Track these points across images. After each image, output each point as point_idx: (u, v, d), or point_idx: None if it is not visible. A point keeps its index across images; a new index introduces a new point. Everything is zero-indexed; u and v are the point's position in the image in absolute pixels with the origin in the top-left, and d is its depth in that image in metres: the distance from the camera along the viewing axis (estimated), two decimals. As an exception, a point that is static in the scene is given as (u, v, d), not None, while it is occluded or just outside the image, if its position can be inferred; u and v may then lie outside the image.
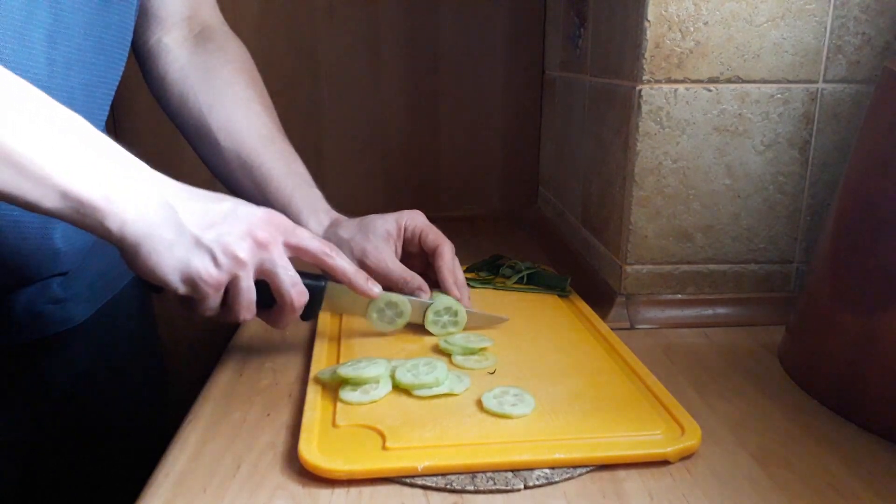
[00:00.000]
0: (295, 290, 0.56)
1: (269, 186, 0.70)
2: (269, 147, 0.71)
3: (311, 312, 0.60)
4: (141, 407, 0.78)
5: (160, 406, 0.81)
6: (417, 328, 0.67)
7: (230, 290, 0.54)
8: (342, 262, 0.60)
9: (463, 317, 0.67)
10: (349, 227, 0.69)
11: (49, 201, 0.45)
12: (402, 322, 0.65)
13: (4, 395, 0.64)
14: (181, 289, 0.51)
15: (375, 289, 0.62)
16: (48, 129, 0.46)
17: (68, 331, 0.66)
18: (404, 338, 0.66)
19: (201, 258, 0.50)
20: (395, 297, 0.65)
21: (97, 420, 0.71)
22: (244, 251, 0.52)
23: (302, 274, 0.57)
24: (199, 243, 0.50)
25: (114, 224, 0.47)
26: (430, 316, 0.66)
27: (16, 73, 0.54)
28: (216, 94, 0.71)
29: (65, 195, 0.45)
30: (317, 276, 0.60)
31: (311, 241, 0.58)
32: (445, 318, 0.66)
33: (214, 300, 0.53)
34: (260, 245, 0.53)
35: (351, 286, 0.61)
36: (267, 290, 0.56)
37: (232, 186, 0.72)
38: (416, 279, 0.67)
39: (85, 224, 0.47)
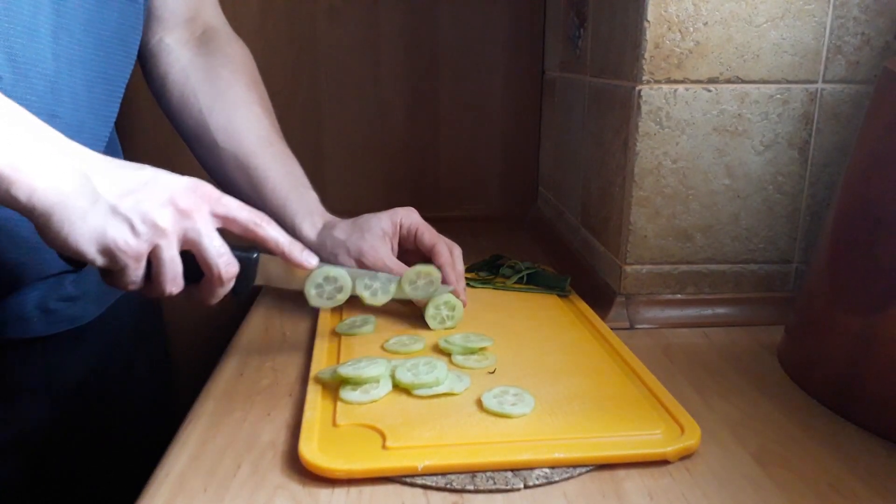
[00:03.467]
0: (222, 260, 0.53)
1: (266, 188, 0.70)
2: (266, 149, 0.71)
3: (243, 286, 0.56)
4: (148, 405, 0.78)
5: (167, 404, 0.81)
6: (418, 324, 0.68)
7: (153, 262, 0.50)
8: (274, 232, 0.56)
9: (460, 311, 0.68)
10: (344, 227, 0.69)
11: None
12: (342, 297, 0.62)
13: (14, 390, 0.64)
14: (98, 260, 0.48)
15: (312, 260, 0.58)
16: None
17: (78, 328, 0.66)
18: (404, 336, 0.66)
19: (118, 227, 0.47)
20: (333, 270, 0.61)
21: (105, 417, 0.71)
22: (165, 219, 0.49)
23: (234, 247, 0.54)
24: (115, 211, 0.47)
25: (21, 193, 0.44)
26: (429, 310, 0.67)
27: (27, 68, 0.55)
28: (216, 95, 0.72)
29: None
30: (249, 248, 0.57)
31: (239, 210, 0.54)
32: (444, 312, 0.67)
33: (135, 272, 0.50)
34: (182, 213, 0.50)
35: (285, 258, 0.57)
36: (195, 264, 0.53)
37: (228, 187, 0.72)
38: (430, 266, 0.67)
39: None
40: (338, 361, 0.60)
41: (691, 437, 0.48)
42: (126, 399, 0.74)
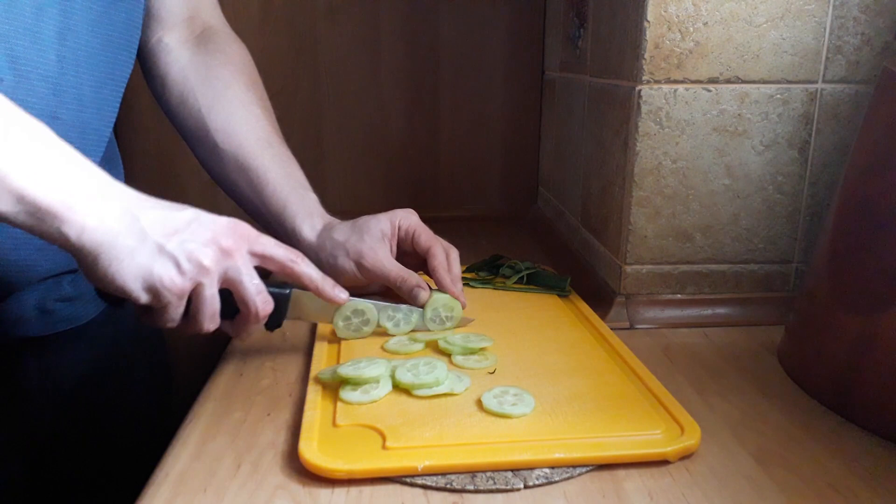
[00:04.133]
0: (260, 298, 0.55)
1: (266, 189, 0.70)
2: (266, 150, 0.71)
3: (276, 321, 0.59)
4: (147, 405, 0.78)
5: (166, 404, 0.81)
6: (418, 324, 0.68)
7: (193, 300, 0.52)
8: (308, 269, 0.59)
9: (459, 313, 0.68)
10: (343, 229, 0.69)
11: (4, 205, 0.44)
12: (368, 330, 0.65)
13: (13, 390, 0.64)
14: (143, 297, 0.49)
15: (342, 295, 0.61)
16: (7, 133, 0.44)
17: (77, 328, 0.66)
18: (404, 336, 0.65)
19: (164, 265, 0.49)
20: (361, 304, 0.64)
21: (104, 417, 0.71)
22: (208, 258, 0.51)
23: (268, 284, 0.56)
24: (162, 250, 0.49)
25: (72, 231, 0.45)
26: (427, 312, 0.67)
27: (28, 70, 0.55)
28: (216, 96, 0.72)
29: (20, 199, 0.44)
30: (281, 285, 0.60)
31: (275, 248, 0.57)
32: (443, 314, 0.67)
33: (177, 309, 0.52)
34: (224, 252, 0.52)
35: (317, 293, 0.60)
36: (230, 299, 0.54)
37: (228, 188, 0.72)
38: (413, 277, 0.67)
39: (41, 230, 0.46)
40: (338, 362, 0.60)
41: (691, 437, 0.48)
42: (125, 399, 0.74)
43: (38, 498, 0.68)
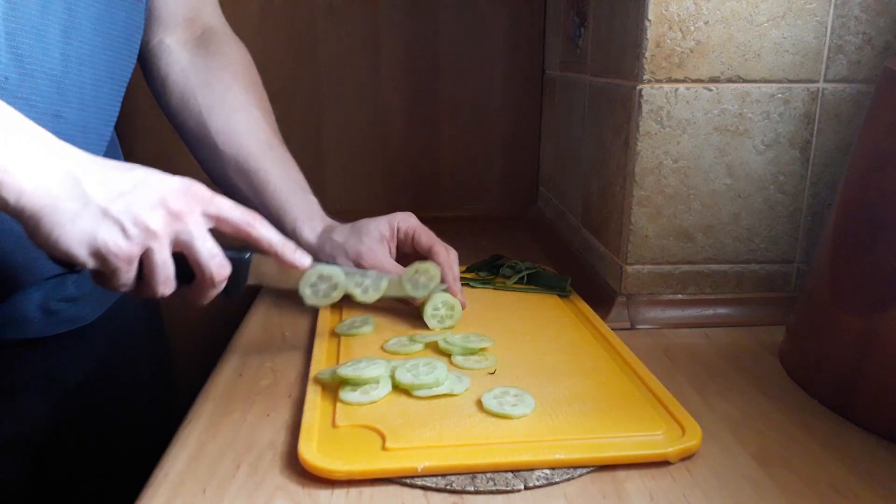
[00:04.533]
0: (214, 262, 0.52)
1: (266, 191, 0.70)
2: (267, 152, 0.71)
3: (235, 287, 0.56)
4: (148, 405, 0.78)
5: (167, 404, 0.81)
6: (418, 324, 0.68)
7: (145, 264, 0.50)
8: (266, 231, 0.55)
9: (459, 312, 0.68)
10: (342, 231, 0.70)
11: None
12: (336, 295, 0.62)
13: (15, 391, 0.64)
14: (90, 263, 0.48)
15: (305, 259, 0.58)
16: None
17: (79, 329, 0.66)
18: (404, 337, 0.65)
19: (109, 230, 0.47)
20: (326, 269, 0.61)
21: (105, 418, 0.72)
22: (156, 221, 0.48)
23: (226, 247, 0.54)
24: (106, 214, 0.47)
25: (10, 195, 0.44)
26: (428, 309, 0.67)
27: (33, 68, 0.55)
28: (216, 97, 0.72)
29: None
30: (241, 249, 0.57)
31: (231, 210, 0.53)
32: (443, 311, 0.68)
33: (127, 274, 0.49)
34: (174, 215, 0.50)
35: (277, 258, 0.57)
36: (186, 264, 0.52)
37: (228, 190, 0.72)
38: (430, 263, 0.67)
39: None
40: (337, 362, 0.60)
41: (692, 438, 0.48)
42: (127, 399, 0.74)
43: (39, 497, 0.69)
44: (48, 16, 0.55)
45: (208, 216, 0.52)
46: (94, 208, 0.47)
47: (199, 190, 0.52)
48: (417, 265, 0.66)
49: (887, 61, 0.57)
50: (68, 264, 0.50)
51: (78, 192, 0.46)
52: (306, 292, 0.61)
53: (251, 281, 0.58)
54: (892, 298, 0.51)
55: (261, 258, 0.58)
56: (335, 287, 0.62)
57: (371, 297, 0.64)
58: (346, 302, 0.64)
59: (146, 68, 0.74)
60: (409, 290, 0.66)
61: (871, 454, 0.49)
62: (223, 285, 0.54)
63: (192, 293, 0.54)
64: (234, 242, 0.55)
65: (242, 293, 0.58)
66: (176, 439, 0.52)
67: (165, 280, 0.51)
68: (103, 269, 0.49)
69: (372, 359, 0.58)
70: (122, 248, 0.48)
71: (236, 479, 0.46)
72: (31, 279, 0.61)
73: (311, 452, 0.47)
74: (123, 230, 0.47)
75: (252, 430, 0.52)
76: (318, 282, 0.61)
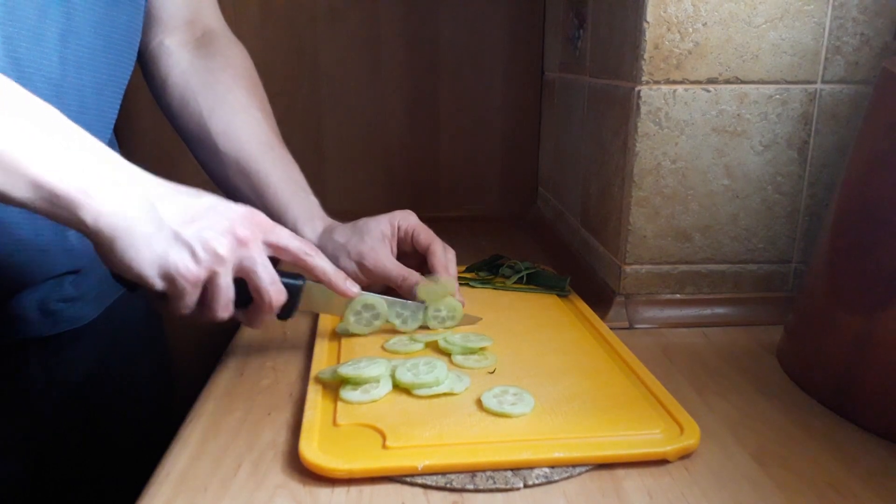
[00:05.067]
0: (273, 288, 0.55)
1: (267, 192, 0.71)
2: (267, 153, 0.72)
3: (288, 312, 0.59)
4: (148, 404, 0.78)
5: (167, 403, 0.81)
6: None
7: (208, 288, 0.52)
8: (321, 262, 0.60)
9: (460, 312, 0.68)
10: (343, 231, 0.70)
11: (20, 192, 0.44)
12: (378, 324, 0.66)
13: (15, 391, 0.64)
14: (158, 284, 0.50)
15: (354, 288, 0.62)
16: (23, 120, 0.45)
17: (78, 329, 0.66)
18: (404, 336, 0.66)
19: (180, 253, 0.49)
20: (371, 298, 0.65)
21: (105, 417, 0.72)
22: (224, 247, 0.51)
23: (281, 274, 0.57)
24: (178, 238, 0.49)
25: (89, 216, 0.45)
26: (429, 310, 0.67)
27: (31, 72, 0.55)
28: (216, 99, 0.72)
29: (37, 186, 0.44)
30: (295, 276, 0.60)
31: (290, 239, 0.57)
32: (444, 313, 0.68)
33: (192, 297, 0.52)
34: (240, 242, 0.52)
35: (330, 286, 0.61)
36: (243, 289, 0.55)
37: (229, 191, 0.72)
38: (413, 276, 0.67)
39: (58, 216, 0.46)
40: (338, 361, 0.60)
41: (691, 437, 0.49)
42: (127, 399, 0.75)
43: (40, 497, 0.69)
44: (45, 20, 0.55)
45: (268, 244, 0.55)
46: (167, 232, 0.49)
47: (261, 218, 0.55)
48: (446, 300, 0.68)
49: (885, 62, 0.57)
50: (132, 284, 0.52)
51: (153, 215, 0.48)
52: (350, 320, 0.65)
53: (301, 307, 0.61)
54: (890, 298, 0.52)
55: (311, 285, 0.61)
56: (377, 316, 0.65)
57: (410, 326, 0.67)
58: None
59: (146, 70, 0.75)
60: (431, 324, 0.68)
61: (869, 453, 0.50)
62: (279, 310, 0.57)
63: (248, 316, 0.57)
64: (285, 269, 0.58)
65: (293, 317, 0.61)
66: (177, 438, 0.52)
67: (226, 304, 0.54)
68: (170, 291, 0.51)
69: (372, 358, 0.58)
70: (192, 271, 0.50)
71: (237, 478, 0.47)
72: (30, 280, 0.61)
73: (312, 451, 0.47)
74: (194, 254, 0.50)
75: (253, 429, 0.53)
76: (363, 310, 0.65)
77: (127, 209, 0.47)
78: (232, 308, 0.55)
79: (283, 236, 0.57)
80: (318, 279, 0.60)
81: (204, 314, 0.54)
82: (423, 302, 0.67)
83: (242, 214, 0.53)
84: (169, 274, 0.49)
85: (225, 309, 0.54)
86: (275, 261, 0.57)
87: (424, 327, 0.68)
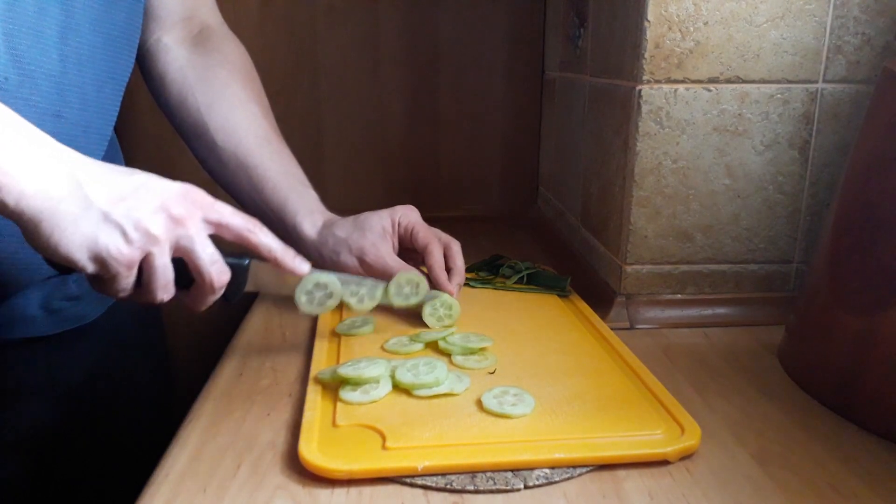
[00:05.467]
0: (215, 268, 0.52)
1: (265, 187, 0.70)
2: (265, 148, 0.71)
3: (234, 292, 0.56)
4: (148, 404, 0.78)
5: (167, 403, 0.81)
6: (418, 324, 0.68)
7: (144, 269, 0.50)
8: (266, 238, 0.56)
9: (457, 309, 0.68)
10: (344, 226, 0.69)
11: None
12: (332, 303, 0.62)
13: (17, 390, 0.64)
14: (89, 267, 0.47)
15: (304, 266, 0.58)
16: None
17: (81, 327, 0.66)
18: (404, 336, 0.65)
19: (110, 234, 0.47)
20: (323, 276, 0.61)
21: (106, 417, 0.72)
22: (158, 226, 0.48)
23: (225, 253, 0.54)
24: (107, 218, 0.47)
25: (10, 197, 0.43)
26: (426, 309, 0.67)
27: (32, 69, 0.55)
28: (214, 95, 0.72)
29: None
30: (241, 255, 0.57)
31: (232, 216, 0.54)
32: (441, 311, 0.68)
33: (127, 279, 0.49)
34: (175, 220, 0.50)
35: (277, 264, 0.57)
36: (184, 270, 0.52)
37: (228, 186, 0.72)
38: (414, 272, 0.67)
39: None
40: (338, 362, 0.60)
41: (691, 438, 0.48)
42: (127, 398, 0.75)
43: (40, 496, 0.69)
44: (44, 17, 0.55)
45: (209, 222, 0.52)
46: (95, 212, 0.46)
47: (199, 195, 0.52)
48: (406, 275, 0.66)
49: (886, 62, 0.57)
50: (65, 268, 0.49)
51: (79, 195, 0.46)
52: (302, 299, 0.61)
53: (249, 287, 0.58)
54: (891, 298, 0.51)
55: (259, 264, 0.58)
56: (331, 295, 0.62)
57: (367, 305, 0.65)
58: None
59: (144, 66, 0.75)
60: (394, 301, 0.66)
61: (870, 454, 0.50)
62: (222, 291, 0.54)
63: (190, 299, 0.54)
64: (232, 248, 0.55)
65: (240, 299, 0.58)
66: (176, 439, 0.52)
67: (165, 285, 0.51)
68: (103, 274, 0.48)
69: (372, 358, 0.58)
70: (124, 252, 0.47)
71: (237, 479, 0.46)
72: (33, 278, 0.61)
73: (312, 452, 0.47)
74: (125, 234, 0.47)
75: (252, 430, 0.52)
76: (314, 289, 0.61)
77: (50, 189, 0.45)
78: (172, 290, 0.52)
79: (224, 213, 0.53)
80: (265, 257, 0.56)
81: (143, 296, 0.52)
82: (404, 307, 0.66)
83: (178, 191, 0.50)
84: (100, 256, 0.47)
85: (164, 290, 0.51)
86: (226, 243, 0.55)
87: (387, 308, 0.65)
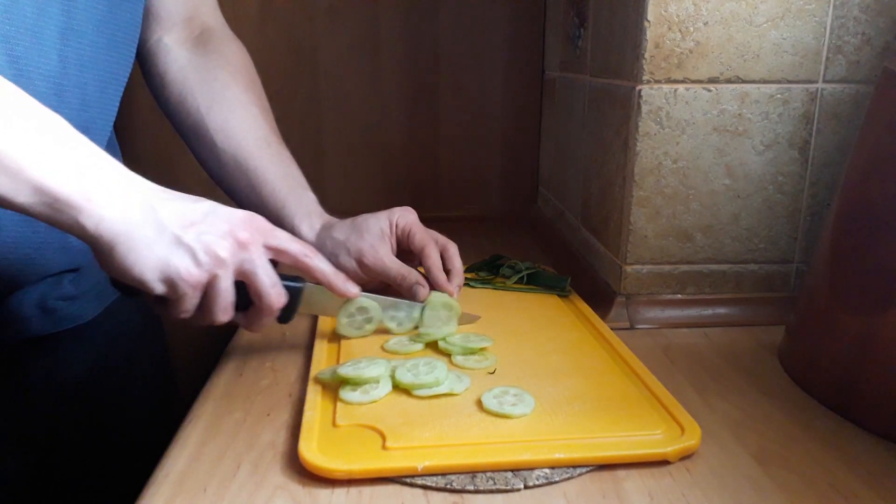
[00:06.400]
0: (274, 291, 0.55)
1: (264, 189, 0.70)
2: (265, 150, 0.72)
3: (288, 315, 0.59)
4: (148, 404, 0.78)
5: (167, 403, 0.81)
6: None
7: (208, 291, 0.53)
8: (321, 264, 0.60)
9: (457, 311, 0.68)
10: (342, 228, 0.70)
11: (22, 196, 0.44)
12: (370, 328, 0.65)
13: (15, 390, 0.64)
14: (158, 288, 0.50)
15: (353, 289, 0.62)
16: (25, 126, 0.45)
17: (78, 327, 0.66)
18: (404, 337, 0.65)
19: (182, 257, 0.50)
20: (365, 301, 0.64)
21: (105, 417, 0.72)
22: (225, 250, 0.51)
23: (281, 277, 0.57)
24: (179, 242, 0.50)
25: (89, 221, 0.46)
26: (427, 312, 0.67)
27: (29, 70, 0.55)
28: (214, 96, 0.72)
29: (39, 190, 0.44)
30: (294, 278, 0.60)
31: (290, 242, 0.57)
32: (442, 313, 0.67)
33: (192, 300, 0.52)
34: (241, 245, 0.53)
35: (329, 287, 0.61)
36: (243, 292, 0.55)
37: (227, 187, 0.72)
38: (412, 274, 0.67)
39: (59, 221, 0.46)
40: (338, 362, 0.60)
41: (691, 438, 0.48)
42: (126, 398, 0.74)
43: (40, 497, 0.69)
44: (44, 18, 0.55)
45: (269, 247, 0.56)
46: (168, 236, 0.49)
47: (261, 222, 0.56)
48: (433, 300, 0.67)
49: (886, 62, 0.57)
50: (130, 290, 0.52)
51: (153, 220, 0.49)
52: (342, 321, 0.64)
53: (301, 309, 0.61)
54: (891, 298, 0.51)
55: (311, 287, 0.61)
56: (370, 320, 0.65)
57: (405, 328, 0.67)
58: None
59: (144, 67, 0.75)
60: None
61: (870, 454, 0.50)
62: (279, 313, 0.57)
63: (247, 320, 0.57)
64: (284, 272, 0.58)
65: (293, 320, 0.61)
66: (176, 439, 0.52)
67: (225, 308, 0.54)
68: (171, 295, 0.51)
69: (372, 358, 0.58)
70: (193, 274, 0.50)
71: (237, 479, 0.46)
72: (29, 278, 0.61)
73: (312, 452, 0.47)
74: (195, 258, 0.50)
75: (252, 430, 0.52)
76: (356, 313, 0.64)
77: (128, 214, 0.47)
78: (232, 311, 0.55)
79: (282, 239, 0.57)
80: (318, 281, 0.60)
81: (203, 318, 0.54)
82: (421, 302, 0.67)
83: (242, 218, 0.54)
84: (170, 278, 0.50)
85: (225, 312, 0.54)
86: (274, 264, 0.57)
87: (420, 331, 0.67)
